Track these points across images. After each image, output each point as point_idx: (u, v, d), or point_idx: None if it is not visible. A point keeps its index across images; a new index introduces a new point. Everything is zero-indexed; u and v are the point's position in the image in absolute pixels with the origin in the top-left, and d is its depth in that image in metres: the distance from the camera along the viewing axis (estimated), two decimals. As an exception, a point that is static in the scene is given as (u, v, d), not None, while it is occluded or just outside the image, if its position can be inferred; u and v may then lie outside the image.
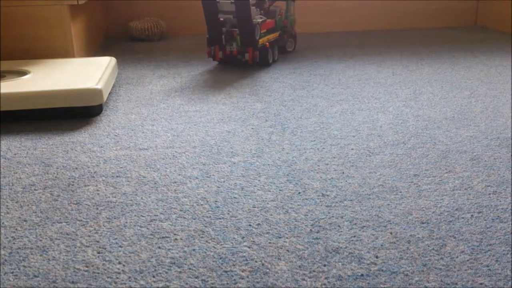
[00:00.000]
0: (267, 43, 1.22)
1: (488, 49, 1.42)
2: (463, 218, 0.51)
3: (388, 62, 1.27)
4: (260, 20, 1.19)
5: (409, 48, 1.46)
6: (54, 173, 0.64)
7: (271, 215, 0.53)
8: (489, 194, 0.56)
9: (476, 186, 0.58)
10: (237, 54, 1.19)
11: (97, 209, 0.55)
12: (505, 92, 0.97)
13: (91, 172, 0.64)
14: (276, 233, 0.49)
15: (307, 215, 0.53)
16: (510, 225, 0.50)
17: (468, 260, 0.44)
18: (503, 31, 1.75)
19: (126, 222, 0.52)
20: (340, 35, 1.72)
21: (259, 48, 1.19)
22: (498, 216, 0.51)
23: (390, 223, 0.51)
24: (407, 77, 1.11)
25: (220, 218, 0.52)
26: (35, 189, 0.60)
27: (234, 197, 0.57)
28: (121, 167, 0.65)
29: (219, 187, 0.59)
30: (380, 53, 1.39)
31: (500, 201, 0.55)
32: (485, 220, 0.51)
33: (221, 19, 1.18)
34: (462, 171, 0.63)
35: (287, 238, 0.48)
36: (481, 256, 0.45)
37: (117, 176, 0.63)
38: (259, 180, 0.61)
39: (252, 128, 0.80)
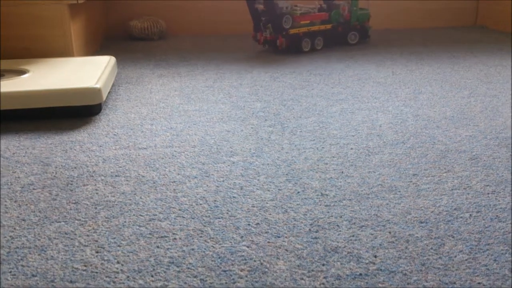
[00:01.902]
0: (300, 32, 1.36)
1: (488, 49, 1.42)
2: (461, 217, 0.51)
3: (388, 61, 1.27)
4: (297, 11, 1.37)
5: (408, 48, 1.46)
6: (53, 172, 0.64)
7: (270, 214, 0.53)
8: (488, 193, 0.56)
9: (475, 186, 0.58)
10: (271, 40, 1.39)
11: (95, 208, 0.55)
12: (504, 92, 0.97)
13: (90, 172, 0.64)
14: (275, 233, 0.49)
15: (306, 215, 0.53)
16: (509, 224, 0.50)
17: (466, 260, 0.44)
18: (503, 31, 1.75)
19: (125, 222, 0.52)
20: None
21: (290, 36, 1.35)
22: (497, 216, 0.51)
23: (389, 223, 0.51)
24: (406, 77, 1.11)
25: (219, 218, 0.52)
26: (33, 189, 0.60)
27: (233, 197, 0.57)
28: (120, 167, 0.65)
29: (218, 187, 0.59)
30: (379, 53, 1.39)
31: (498, 200, 0.55)
32: (483, 219, 0.51)
33: (259, 9, 1.38)
34: (461, 170, 0.62)
35: (286, 237, 0.48)
36: (479, 255, 0.45)
37: (116, 176, 0.63)
38: (258, 180, 0.61)
39: (252, 128, 0.80)
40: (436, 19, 1.86)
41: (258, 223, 0.51)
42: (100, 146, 0.73)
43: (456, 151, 0.68)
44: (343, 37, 1.48)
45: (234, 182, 0.60)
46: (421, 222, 0.51)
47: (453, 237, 0.48)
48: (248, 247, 0.47)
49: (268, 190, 0.58)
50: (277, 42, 1.36)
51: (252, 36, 1.45)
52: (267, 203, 0.55)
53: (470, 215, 0.52)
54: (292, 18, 1.35)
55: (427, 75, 1.12)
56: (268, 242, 0.48)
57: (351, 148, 0.70)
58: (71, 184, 0.61)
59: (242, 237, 0.49)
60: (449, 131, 0.76)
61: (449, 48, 1.46)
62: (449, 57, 1.31)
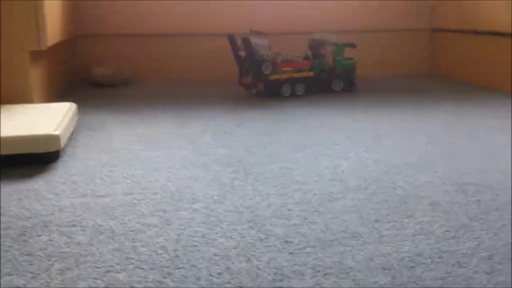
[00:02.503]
0: (281, 78, 1.45)
1: (444, 97, 1.48)
2: (424, 263, 0.51)
3: (349, 109, 1.30)
4: (279, 58, 1.46)
5: (369, 95, 1.50)
6: (6, 222, 0.61)
7: (233, 263, 0.52)
8: (449, 239, 0.57)
9: (436, 231, 0.59)
10: (252, 85, 1.48)
11: (49, 260, 0.52)
12: (461, 138, 1.00)
13: (45, 221, 0.61)
14: (237, 283, 0.48)
15: (270, 263, 0.52)
16: (470, 270, 0.50)
17: (430, 307, 0.44)
18: (458, 79, 1.83)
19: (80, 274, 0.49)
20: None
21: (270, 81, 1.44)
22: (458, 261, 0.52)
23: (353, 270, 0.50)
24: (367, 124, 1.13)
25: (179, 268, 0.51)
26: (-17, 240, 0.56)
27: (195, 245, 0.55)
28: (77, 216, 0.63)
29: (179, 235, 0.58)
30: (342, 100, 1.42)
31: (459, 245, 0.55)
32: (445, 265, 0.51)
33: (241, 56, 1.48)
34: (421, 216, 0.63)
35: None
36: (442, 302, 0.45)
37: (72, 225, 0.60)
38: (221, 227, 0.60)
39: (215, 174, 0.79)
40: (392, 67, 1.93)
41: (220, 273, 0.50)
42: (57, 195, 0.70)
43: (416, 197, 0.69)
44: (327, 84, 1.54)
45: (196, 230, 0.59)
46: (384, 269, 0.50)
47: (416, 284, 0.48)
48: (209, 298, 0.45)
49: (231, 238, 0.57)
50: (256, 87, 1.46)
51: (238, 82, 1.53)
52: (230, 251, 0.54)
53: (432, 261, 0.52)
54: (272, 65, 1.44)
55: (387, 122, 1.15)
56: (230, 292, 0.46)
57: (315, 194, 0.70)
58: (25, 235, 0.58)
59: (203, 288, 0.47)
60: (409, 176, 0.78)
61: (407, 95, 1.51)
62: (408, 105, 1.35)
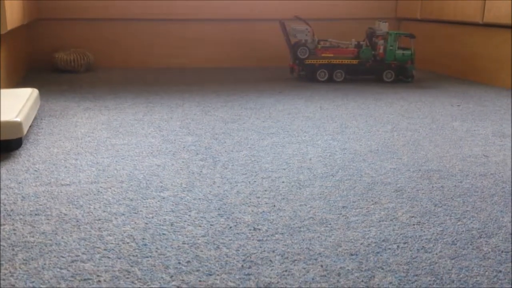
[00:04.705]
0: (316, 63, 1.51)
1: (408, 86, 1.51)
2: (390, 249, 0.53)
3: (316, 97, 1.31)
4: (319, 45, 1.53)
5: (335, 85, 1.51)
6: (-36, 212, 0.59)
7: (202, 251, 0.51)
8: (413, 224, 0.58)
9: (401, 217, 0.60)
10: (291, 67, 1.57)
11: (13, 250, 0.51)
12: (424, 126, 1.02)
13: (8, 210, 0.60)
14: (206, 271, 0.48)
15: (239, 250, 0.52)
16: (435, 255, 0.51)
17: (396, 291, 0.45)
18: (423, 69, 1.87)
19: (45, 264, 0.48)
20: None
21: (305, 65, 1.52)
22: (423, 247, 0.53)
23: (321, 256, 0.51)
24: (333, 112, 1.14)
25: (147, 257, 0.50)
26: None
27: (163, 234, 0.55)
28: (41, 204, 0.61)
29: (147, 224, 0.57)
30: (308, 89, 1.43)
31: (424, 231, 0.57)
32: (410, 250, 0.52)
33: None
34: (387, 202, 0.64)
35: (218, 275, 0.47)
36: (408, 286, 0.46)
37: (35, 214, 0.59)
38: (189, 215, 0.60)
39: (183, 162, 0.78)
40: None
41: (189, 261, 0.49)
42: (19, 183, 0.68)
43: (382, 183, 0.71)
44: (376, 74, 1.56)
45: (164, 218, 0.58)
46: (352, 255, 0.51)
47: (382, 268, 0.49)
48: (178, 287, 0.45)
49: (200, 226, 0.57)
50: (294, 70, 1.56)
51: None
52: (198, 239, 0.54)
53: (398, 246, 0.53)
54: (309, 50, 1.51)
55: (353, 110, 1.16)
56: (200, 281, 0.46)
57: (283, 182, 0.71)
58: (-15, 225, 0.56)
59: (172, 276, 0.47)
60: (374, 164, 0.79)
61: (372, 84, 1.53)
62: (372, 94, 1.37)
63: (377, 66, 1.54)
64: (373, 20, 1.94)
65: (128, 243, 0.53)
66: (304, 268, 0.48)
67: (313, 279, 0.47)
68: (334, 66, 1.52)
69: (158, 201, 0.63)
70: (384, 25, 1.55)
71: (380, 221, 0.59)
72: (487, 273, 0.48)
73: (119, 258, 0.50)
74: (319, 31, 1.85)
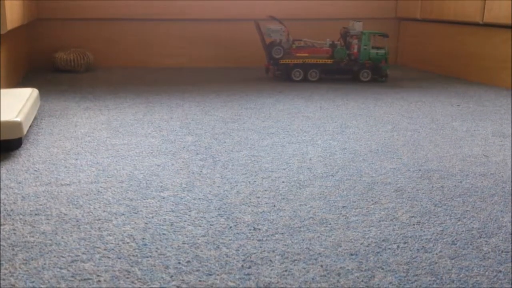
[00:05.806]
0: (291, 63, 1.51)
1: (408, 86, 1.51)
2: (389, 248, 0.53)
3: (316, 97, 1.31)
4: (294, 44, 1.53)
5: (335, 85, 1.51)
6: (-36, 212, 0.59)
7: (202, 251, 0.51)
8: (413, 224, 0.58)
9: (401, 217, 0.60)
10: (266, 67, 1.58)
11: (13, 250, 0.51)
12: (424, 126, 1.02)
13: (8, 210, 0.60)
14: (206, 271, 0.48)
15: (239, 250, 0.52)
16: (434, 255, 0.51)
17: (396, 291, 0.45)
18: (422, 69, 1.87)
19: (45, 264, 0.48)
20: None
21: (280, 65, 1.52)
22: (423, 246, 0.53)
23: (321, 256, 0.51)
24: (333, 112, 1.14)
25: (147, 257, 0.50)
26: None
27: (163, 234, 0.55)
28: (41, 204, 0.61)
29: (147, 224, 0.57)
30: (308, 89, 1.43)
31: (424, 231, 0.57)
32: (410, 250, 0.52)
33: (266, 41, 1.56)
34: (387, 202, 0.64)
35: (218, 275, 0.47)
36: (408, 286, 0.46)
37: (35, 214, 0.59)
38: (189, 215, 0.60)
39: (183, 162, 0.78)
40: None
41: (189, 261, 0.49)
42: (19, 183, 0.68)
43: (382, 183, 0.71)
44: (349, 73, 1.56)
45: (164, 218, 0.58)
46: (351, 254, 0.51)
47: (382, 268, 0.49)
48: (178, 287, 0.45)
49: (200, 226, 0.57)
50: (269, 70, 1.56)
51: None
52: (198, 239, 0.54)
53: (398, 246, 0.53)
54: (283, 50, 1.51)
55: (353, 110, 1.16)
56: (200, 281, 0.46)
57: (283, 182, 0.71)
58: (-15, 225, 0.56)
59: (172, 276, 0.47)
60: (374, 164, 0.79)
61: (372, 85, 1.53)
62: (372, 93, 1.37)
63: (352, 66, 1.55)
64: (373, 20, 1.94)
65: (128, 243, 0.53)
66: (304, 268, 0.48)
67: (313, 279, 0.47)
68: (308, 66, 1.52)
69: (158, 201, 0.63)
70: (358, 25, 1.55)
71: (380, 221, 0.59)
72: (487, 273, 0.48)
73: (119, 258, 0.50)
74: (317, 32, 1.85)
